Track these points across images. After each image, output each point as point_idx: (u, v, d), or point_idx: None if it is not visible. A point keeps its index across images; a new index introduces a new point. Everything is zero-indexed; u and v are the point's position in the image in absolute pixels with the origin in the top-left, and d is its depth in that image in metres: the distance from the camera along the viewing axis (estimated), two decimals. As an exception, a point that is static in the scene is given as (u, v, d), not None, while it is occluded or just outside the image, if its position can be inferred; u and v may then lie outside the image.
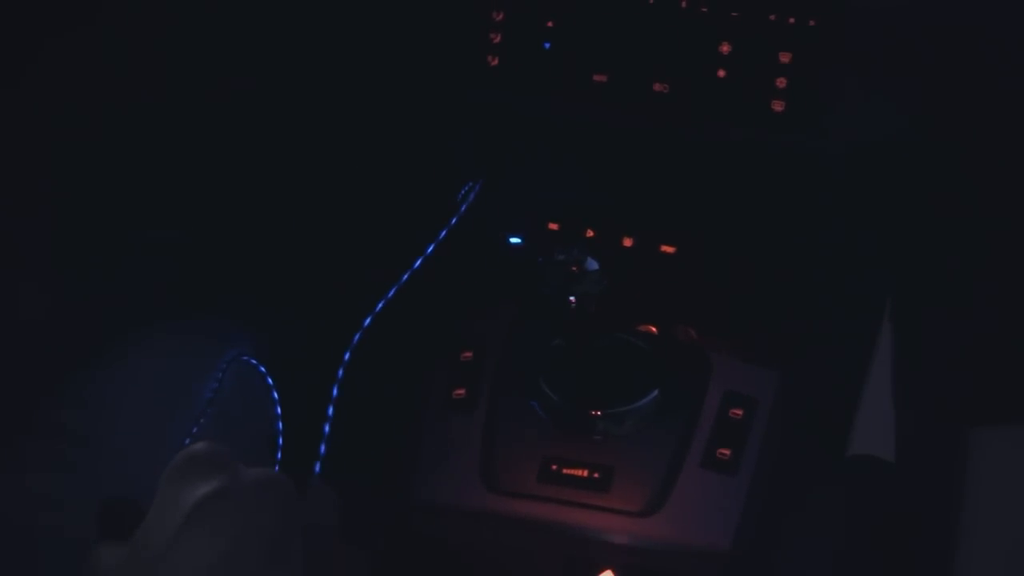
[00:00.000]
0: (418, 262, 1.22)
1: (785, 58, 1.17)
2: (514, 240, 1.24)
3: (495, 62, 1.23)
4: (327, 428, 1.14)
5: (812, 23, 1.16)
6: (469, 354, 1.19)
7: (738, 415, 1.11)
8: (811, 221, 1.22)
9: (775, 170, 1.22)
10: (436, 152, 1.34)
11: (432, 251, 1.23)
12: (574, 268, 1.04)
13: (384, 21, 1.27)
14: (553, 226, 1.27)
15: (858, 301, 1.22)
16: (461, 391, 1.16)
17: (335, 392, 1.16)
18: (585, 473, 1.07)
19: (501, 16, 1.22)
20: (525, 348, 1.17)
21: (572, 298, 1.05)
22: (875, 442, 1.18)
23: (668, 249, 1.24)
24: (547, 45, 1.21)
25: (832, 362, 1.20)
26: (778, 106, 1.17)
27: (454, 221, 1.25)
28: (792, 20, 1.16)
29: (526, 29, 1.22)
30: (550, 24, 1.21)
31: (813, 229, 1.22)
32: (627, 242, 1.24)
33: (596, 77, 1.20)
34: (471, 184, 1.28)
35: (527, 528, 1.07)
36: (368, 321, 1.20)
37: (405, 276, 1.21)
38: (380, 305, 1.20)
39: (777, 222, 1.24)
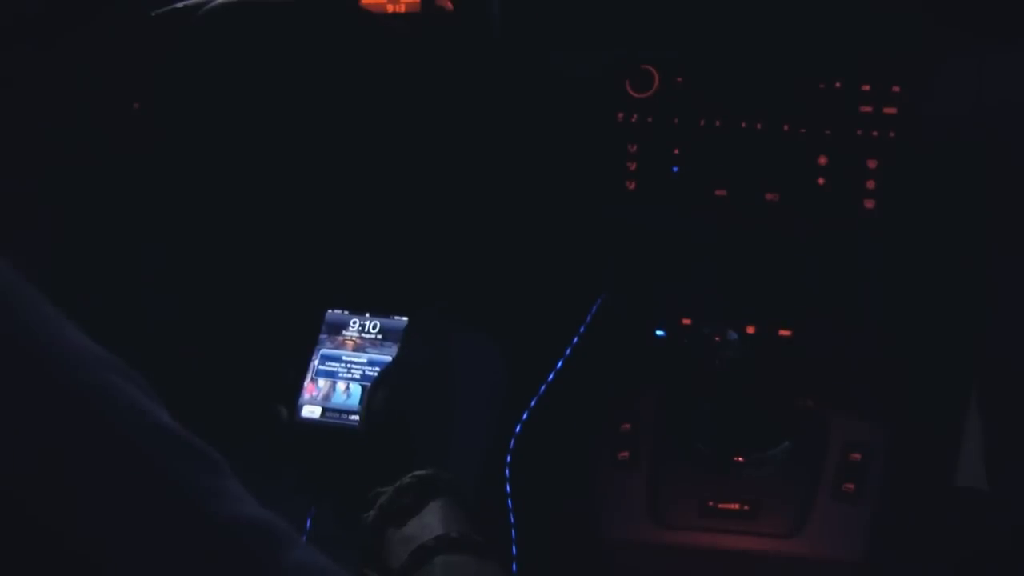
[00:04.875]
0: (560, 363, 1.49)
1: (872, 164, 1.42)
2: (659, 332, 1.50)
3: (632, 185, 1.49)
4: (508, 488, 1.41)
5: (892, 135, 1.42)
6: (628, 426, 1.44)
7: (857, 458, 1.36)
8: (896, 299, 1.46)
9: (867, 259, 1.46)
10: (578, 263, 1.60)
11: (577, 348, 1.50)
12: (717, 338, 1.31)
13: (539, 156, 1.55)
14: (686, 321, 1.52)
15: (948, 362, 1.45)
16: (625, 454, 1.41)
17: (509, 459, 1.43)
18: (737, 506, 1.33)
19: (636, 148, 1.49)
20: (675, 415, 1.42)
21: (718, 362, 1.31)
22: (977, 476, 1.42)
23: (785, 333, 1.48)
24: (676, 169, 1.47)
25: (934, 412, 1.44)
26: (869, 204, 1.42)
27: (590, 320, 1.52)
28: (876, 133, 1.42)
29: (657, 156, 1.49)
30: (677, 152, 1.47)
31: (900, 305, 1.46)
32: (750, 329, 1.48)
33: (718, 192, 1.46)
34: (606, 290, 1.54)
35: (692, 554, 1.32)
36: (533, 403, 1.47)
37: (552, 374, 1.48)
38: (542, 389, 1.48)
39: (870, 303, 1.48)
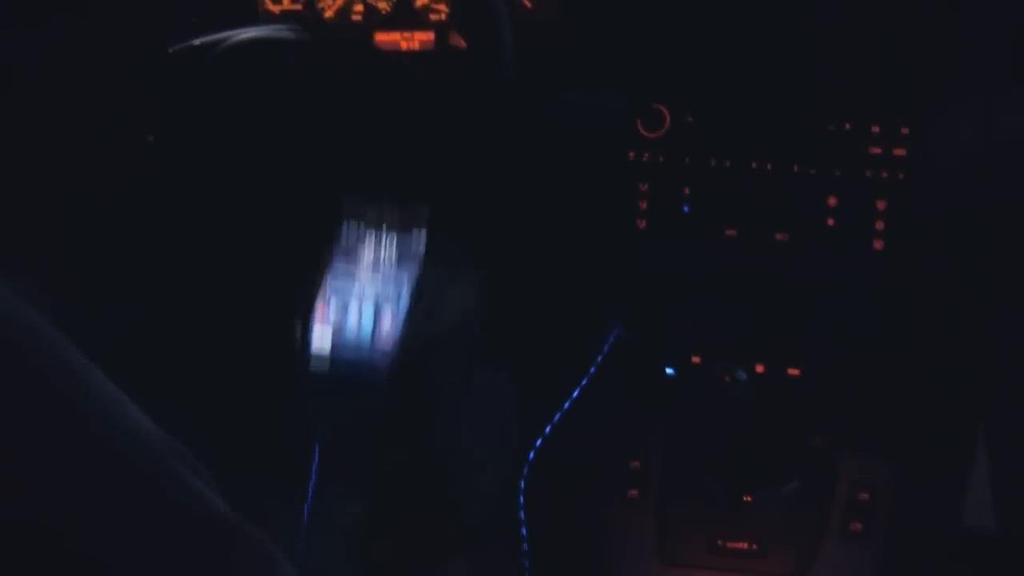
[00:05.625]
0: (566, 403, 1.50)
1: (881, 205, 1.43)
2: (669, 371, 1.50)
3: (643, 224, 1.50)
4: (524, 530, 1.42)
5: (901, 176, 1.43)
6: (637, 463, 1.45)
7: (865, 497, 1.36)
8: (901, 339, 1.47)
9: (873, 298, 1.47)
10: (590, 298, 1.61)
11: (588, 386, 1.51)
12: (727, 377, 1.32)
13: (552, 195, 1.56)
14: (696, 359, 1.52)
15: (956, 401, 1.46)
16: (635, 491, 1.42)
17: (521, 500, 1.43)
18: (745, 545, 1.33)
19: (646, 187, 1.50)
20: (684, 454, 1.43)
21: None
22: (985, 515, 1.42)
23: (794, 372, 1.49)
24: (686, 208, 1.48)
25: (942, 451, 1.44)
26: (878, 245, 1.43)
27: (601, 357, 1.53)
28: (885, 174, 1.43)
29: (668, 196, 1.50)
30: (687, 191, 1.48)
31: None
32: (759, 368, 1.49)
33: (728, 232, 1.47)
34: (617, 328, 1.55)
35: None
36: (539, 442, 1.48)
37: (566, 404, 1.49)
38: (547, 428, 1.49)
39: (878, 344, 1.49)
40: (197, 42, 1.39)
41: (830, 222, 1.42)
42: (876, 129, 1.41)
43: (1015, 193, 1.42)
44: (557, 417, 1.49)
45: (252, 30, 1.43)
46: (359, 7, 1.63)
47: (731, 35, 1.49)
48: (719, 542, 1.35)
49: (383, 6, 1.62)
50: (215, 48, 1.37)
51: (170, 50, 1.39)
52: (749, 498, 1.35)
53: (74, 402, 0.65)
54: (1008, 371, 1.47)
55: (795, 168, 1.43)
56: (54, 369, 0.65)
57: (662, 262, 1.49)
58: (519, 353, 1.51)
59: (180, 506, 0.67)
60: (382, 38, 1.60)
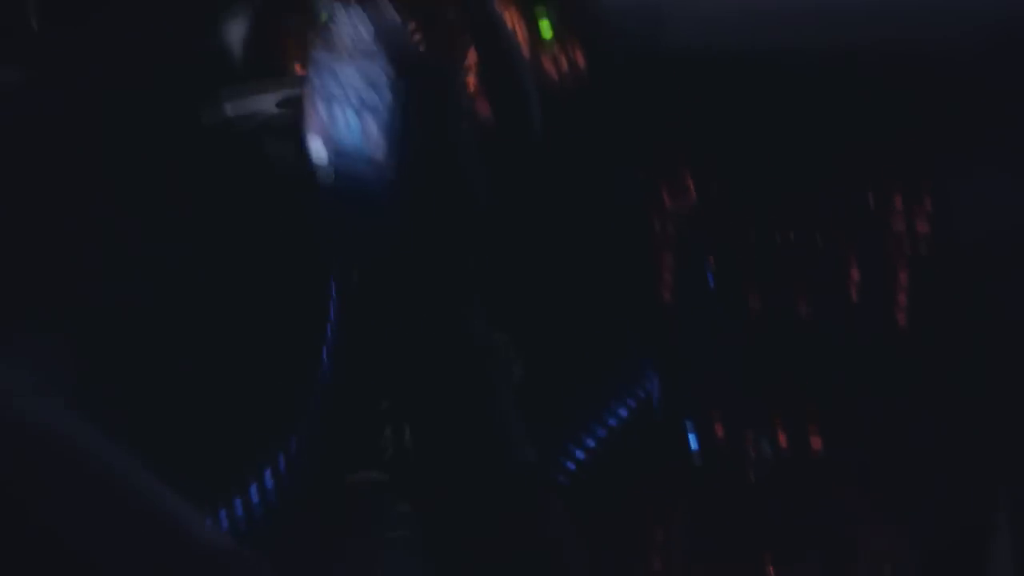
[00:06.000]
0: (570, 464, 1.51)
1: (904, 279, 1.44)
2: (692, 443, 1.51)
3: (668, 295, 1.51)
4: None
5: (924, 250, 1.44)
6: (661, 535, 1.46)
7: (889, 570, 1.37)
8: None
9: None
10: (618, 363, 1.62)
11: (607, 453, 1.52)
12: (752, 450, 1.33)
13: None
14: (719, 430, 1.53)
15: (978, 472, 1.47)
16: (659, 564, 1.43)
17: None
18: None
19: (671, 258, 1.52)
20: (708, 526, 1.44)
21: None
22: None
23: (816, 443, 1.50)
24: (711, 279, 1.49)
25: (964, 522, 1.45)
26: (901, 319, 1.44)
27: (622, 424, 1.54)
28: (908, 248, 1.44)
29: (692, 267, 1.51)
30: (712, 262, 1.50)
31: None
32: (782, 439, 1.50)
33: (752, 303, 1.48)
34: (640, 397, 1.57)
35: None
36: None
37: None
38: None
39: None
40: (231, 113, 1.40)
41: (853, 295, 1.43)
42: (899, 203, 1.42)
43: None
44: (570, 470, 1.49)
45: (280, 94, 1.43)
46: (386, 72, 1.64)
47: (757, 108, 1.50)
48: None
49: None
50: (251, 121, 1.38)
51: (203, 120, 1.41)
52: (772, 570, 1.35)
53: (129, 509, 0.66)
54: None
55: (819, 241, 1.44)
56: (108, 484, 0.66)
57: (687, 334, 1.50)
58: (537, 416, 1.51)
59: None
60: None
